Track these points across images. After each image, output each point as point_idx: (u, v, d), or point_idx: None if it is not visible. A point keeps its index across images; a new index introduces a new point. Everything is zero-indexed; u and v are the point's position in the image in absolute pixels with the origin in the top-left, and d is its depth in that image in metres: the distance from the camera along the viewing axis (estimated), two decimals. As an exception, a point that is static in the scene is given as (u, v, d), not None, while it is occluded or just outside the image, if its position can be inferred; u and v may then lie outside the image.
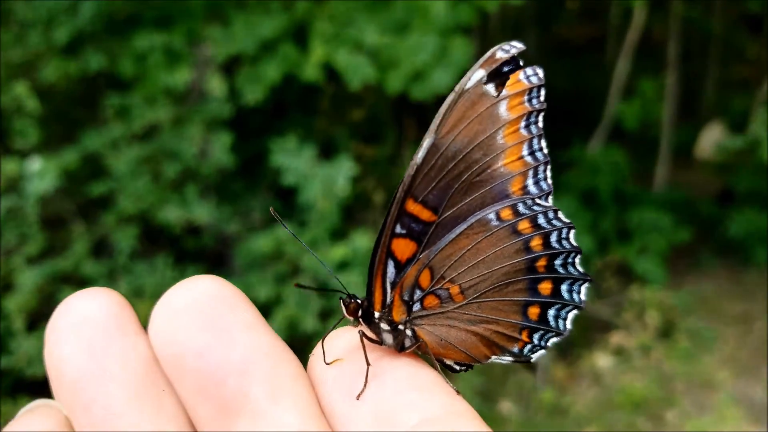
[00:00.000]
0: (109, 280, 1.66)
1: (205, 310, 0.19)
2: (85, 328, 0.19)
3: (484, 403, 1.83)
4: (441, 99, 0.24)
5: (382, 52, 1.55)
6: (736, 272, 2.56)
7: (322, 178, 1.57)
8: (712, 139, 3.00)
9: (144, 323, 0.19)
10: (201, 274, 0.20)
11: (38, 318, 1.56)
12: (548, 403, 1.84)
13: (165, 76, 1.61)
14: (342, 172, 1.58)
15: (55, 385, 0.19)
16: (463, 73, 0.24)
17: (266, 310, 1.73)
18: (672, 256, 2.48)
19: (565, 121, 3.32)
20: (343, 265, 1.73)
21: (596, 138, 2.82)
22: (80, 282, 1.65)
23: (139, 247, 1.70)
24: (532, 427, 1.75)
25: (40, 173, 1.39)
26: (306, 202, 1.68)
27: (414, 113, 2.21)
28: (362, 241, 1.79)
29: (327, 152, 1.85)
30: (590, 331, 2.24)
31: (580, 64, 3.89)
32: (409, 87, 1.61)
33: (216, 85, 1.53)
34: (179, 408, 0.19)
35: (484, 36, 2.61)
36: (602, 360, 2.05)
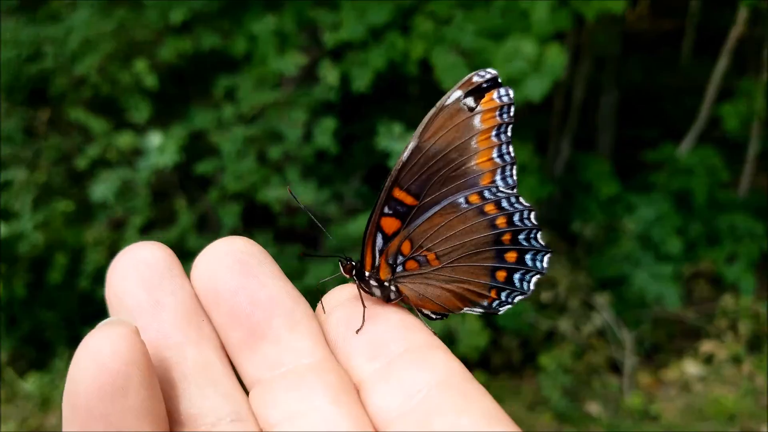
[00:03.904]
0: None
1: (239, 259, 0.23)
2: (142, 269, 0.23)
3: (570, 402, 1.81)
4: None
5: (478, 55, 1.54)
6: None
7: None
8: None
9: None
10: (239, 236, 0.25)
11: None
12: (636, 408, 1.80)
13: (275, 59, 1.64)
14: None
15: (114, 313, 0.23)
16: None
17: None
18: (759, 264, 2.37)
19: (642, 119, 3.21)
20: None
21: (688, 138, 2.72)
22: (184, 254, 1.70)
23: (240, 224, 1.75)
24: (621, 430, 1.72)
25: (160, 148, 1.44)
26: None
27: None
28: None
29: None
30: (678, 337, 2.17)
31: (654, 60, 3.73)
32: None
33: (329, 71, 1.54)
34: (215, 334, 0.23)
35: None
36: (691, 368, 1.99)
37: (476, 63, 1.55)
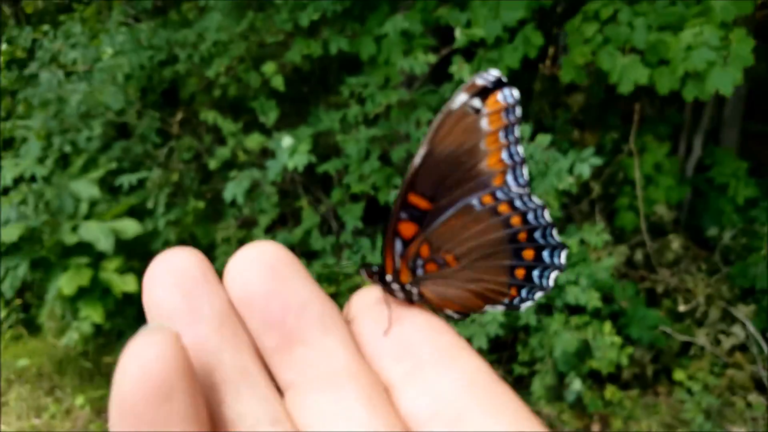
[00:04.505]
0: (334, 254, 1.70)
1: (270, 264, 0.24)
2: (178, 275, 0.23)
3: (713, 424, 1.67)
4: None
5: (653, 52, 1.41)
6: None
7: (557, 170, 1.48)
8: None
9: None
10: (268, 241, 0.25)
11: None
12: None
13: (403, 58, 1.60)
14: (584, 163, 1.48)
15: (152, 320, 0.23)
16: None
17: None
18: None
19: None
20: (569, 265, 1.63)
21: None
22: (308, 254, 1.71)
23: (361, 225, 1.73)
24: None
25: (291, 149, 1.44)
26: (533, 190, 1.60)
27: (643, 97, 2.03)
28: (590, 235, 1.68)
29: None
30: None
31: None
32: (682, 88, 1.45)
33: (461, 68, 1.48)
34: (250, 339, 0.24)
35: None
36: None
37: (652, 61, 1.42)
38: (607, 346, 1.58)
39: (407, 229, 0.29)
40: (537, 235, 0.30)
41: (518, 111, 0.29)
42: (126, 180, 1.61)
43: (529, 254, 0.30)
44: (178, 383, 0.20)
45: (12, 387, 1.95)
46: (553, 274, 0.30)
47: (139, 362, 0.20)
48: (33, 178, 1.76)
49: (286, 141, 1.40)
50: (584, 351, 1.64)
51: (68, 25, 1.97)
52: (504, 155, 0.29)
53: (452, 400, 0.23)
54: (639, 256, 2.06)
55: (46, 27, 2.33)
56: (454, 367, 0.23)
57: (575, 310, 1.68)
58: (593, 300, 1.58)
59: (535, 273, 0.30)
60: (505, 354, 1.84)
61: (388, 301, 0.27)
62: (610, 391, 1.78)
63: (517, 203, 0.30)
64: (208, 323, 0.23)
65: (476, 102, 0.29)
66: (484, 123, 0.29)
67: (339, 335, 0.24)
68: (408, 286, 0.29)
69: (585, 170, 1.49)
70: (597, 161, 1.52)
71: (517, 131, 0.29)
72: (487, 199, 0.29)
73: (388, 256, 0.29)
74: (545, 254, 0.30)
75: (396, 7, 1.76)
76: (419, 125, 1.64)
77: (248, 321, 0.24)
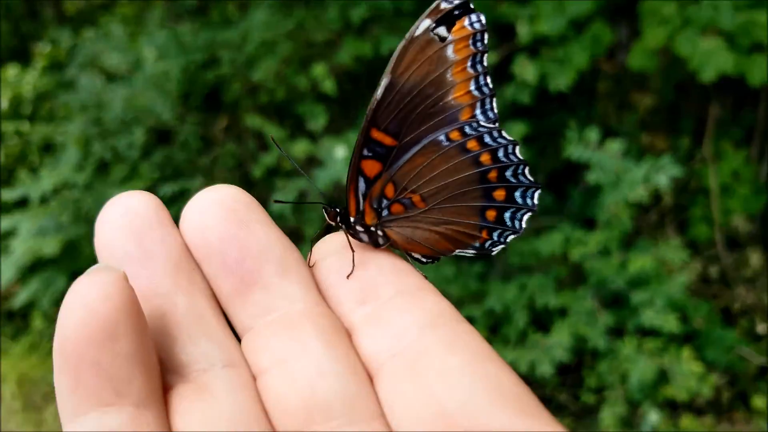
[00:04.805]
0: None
1: (229, 207, 0.23)
2: (131, 218, 0.23)
3: None
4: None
5: (743, 33, 1.26)
6: None
7: (630, 180, 1.34)
8: None
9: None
10: (227, 184, 0.24)
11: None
12: None
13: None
14: (662, 172, 1.34)
15: (103, 262, 0.23)
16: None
17: (547, 317, 1.56)
18: None
19: None
20: (637, 282, 1.50)
21: None
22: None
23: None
24: None
25: (346, 159, 1.34)
26: (603, 203, 1.47)
27: (714, 98, 1.87)
28: (666, 252, 1.54)
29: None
30: None
31: None
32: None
33: (525, 67, 1.36)
34: (206, 283, 0.24)
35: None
36: None
37: (742, 43, 1.26)
38: (687, 375, 1.44)
39: (371, 167, 0.28)
40: (508, 173, 0.28)
41: (486, 38, 0.28)
42: (170, 190, 1.53)
43: (500, 195, 0.28)
44: (123, 323, 0.20)
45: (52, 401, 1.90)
46: (526, 216, 0.29)
47: (82, 301, 0.19)
48: (69, 186, 1.70)
49: (340, 152, 1.30)
50: (660, 378, 1.50)
51: (109, 27, 1.90)
52: (472, 87, 0.28)
53: (413, 339, 0.22)
54: (713, 271, 1.90)
55: (85, 29, 2.28)
56: (417, 309, 0.23)
57: (647, 331, 1.55)
58: (670, 323, 1.45)
59: (507, 215, 0.29)
60: (569, 378, 1.72)
61: (351, 245, 0.26)
62: (687, 421, 1.63)
63: (487, 139, 0.28)
64: (160, 267, 0.23)
65: (442, 30, 0.27)
66: (450, 51, 0.27)
67: (299, 279, 0.24)
68: (373, 228, 0.28)
69: (662, 181, 1.35)
70: (676, 170, 1.38)
71: (485, 61, 0.28)
72: (455, 135, 0.28)
73: (351, 196, 0.28)
74: (517, 194, 0.28)
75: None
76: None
77: (205, 265, 0.24)
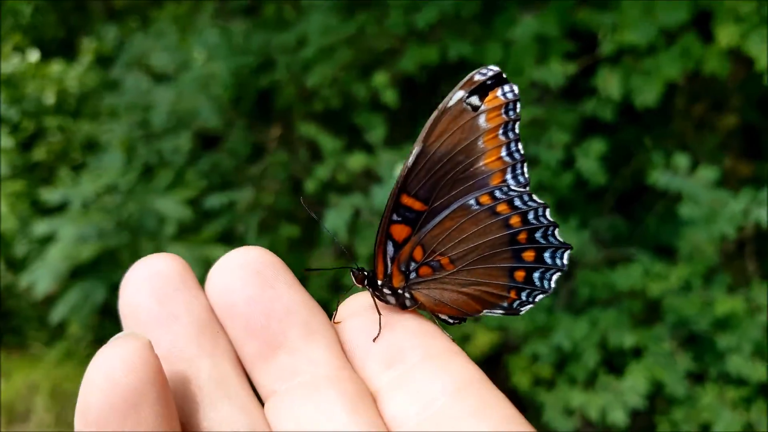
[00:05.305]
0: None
1: (254, 269, 0.23)
2: (156, 281, 0.23)
3: None
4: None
5: None
6: None
7: (729, 216, 1.20)
8: None
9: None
10: (253, 246, 0.24)
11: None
12: None
13: (535, 68, 1.36)
14: (763, 206, 1.19)
15: (127, 327, 0.23)
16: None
17: (619, 356, 1.42)
18: None
19: None
20: (723, 324, 1.35)
21: None
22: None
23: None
24: None
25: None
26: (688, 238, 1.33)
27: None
28: (759, 294, 1.39)
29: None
30: None
31: None
32: None
33: (609, 81, 1.23)
34: (230, 346, 0.23)
35: None
36: None
37: None
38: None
39: (399, 231, 0.28)
40: (538, 235, 0.29)
41: (518, 107, 0.28)
42: (217, 201, 1.43)
43: (529, 255, 0.29)
44: (146, 392, 0.19)
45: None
46: (556, 276, 0.29)
47: (105, 371, 0.19)
48: (112, 190, 1.62)
49: (398, 170, 1.18)
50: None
51: (159, 24, 1.82)
52: (504, 153, 0.28)
53: (441, 406, 0.21)
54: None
55: (134, 25, 2.21)
56: (445, 373, 0.22)
57: (728, 378, 1.41)
58: (759, 372, 1.30)
59: (536, 275, 0.29)
60: (638, 419, 1.58)
61: (377, 307, 0.26)
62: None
63: (517, 202, 0.29)
64: (185, 330, 0.23)
65: (474, 99, 0.28)
66: (483, 120, 0.28)
67: (324, 342, 0.24)
68: (400, 291, 0.28)
69: (763, 216, 1.21)
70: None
71: (517, 128, 0.28)
72: (485, 199, 0.28)
73: (379, 259, 0.29)
74: (547, 255, 0.29)
75: (526, 8, 1.51)
76: (551, 147, 1.40)
77: (229, 328, 0.23)
